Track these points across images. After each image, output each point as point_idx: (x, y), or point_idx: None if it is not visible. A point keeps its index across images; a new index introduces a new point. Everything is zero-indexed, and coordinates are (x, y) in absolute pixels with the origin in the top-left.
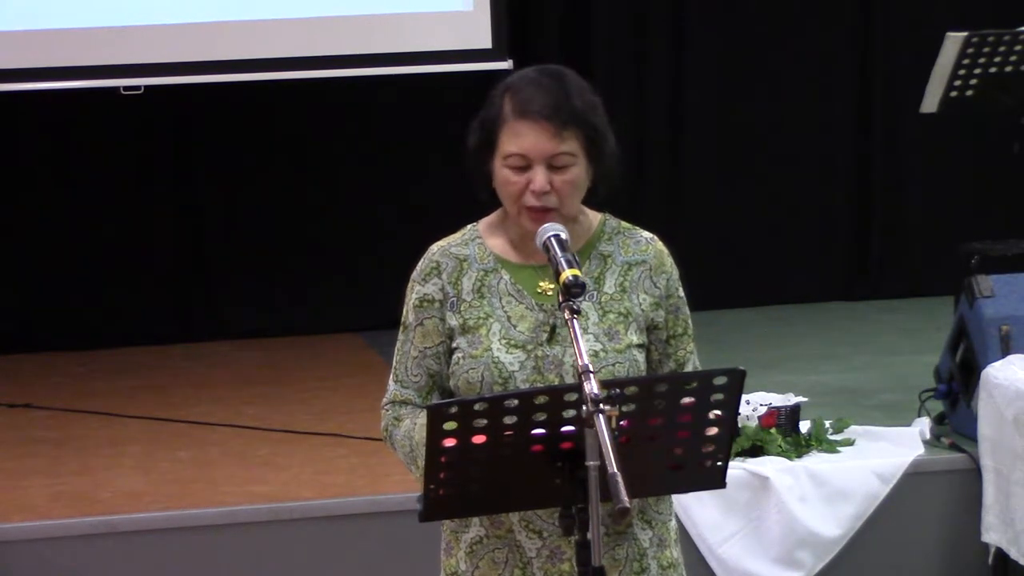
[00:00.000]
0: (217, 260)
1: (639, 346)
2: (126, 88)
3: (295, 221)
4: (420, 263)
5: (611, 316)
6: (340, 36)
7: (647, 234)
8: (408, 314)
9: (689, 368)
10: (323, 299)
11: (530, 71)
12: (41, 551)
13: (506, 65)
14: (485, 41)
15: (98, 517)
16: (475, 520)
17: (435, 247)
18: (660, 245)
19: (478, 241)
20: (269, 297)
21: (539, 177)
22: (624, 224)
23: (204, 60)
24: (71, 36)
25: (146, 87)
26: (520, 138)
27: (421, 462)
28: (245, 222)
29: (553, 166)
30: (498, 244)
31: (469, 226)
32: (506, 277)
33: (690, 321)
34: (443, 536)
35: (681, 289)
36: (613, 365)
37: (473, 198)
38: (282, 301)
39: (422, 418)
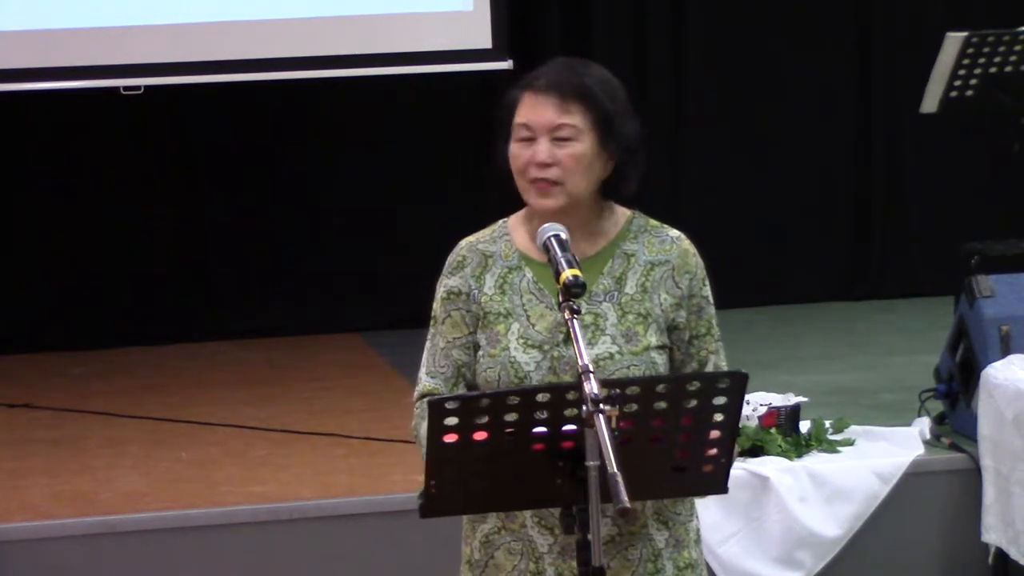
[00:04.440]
0: (217, 260)
1: (659, 348)
2: (126, 88)
3: (295, 221)
4: (449, 257)
5: (630, 317)
6: (340, 36)
7: (674, 232)
8: (437, 307)
9: (711, 367)
10: (323, 299)
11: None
12: (41, 551)
13: (506, 65)
14: (485, 41)
15: (98, 517)
16: (491, 512)
17: (464, 242)
18: (686, 244)
19: (505, 238)
20: (269, 297)
21: (541, 150)
22: (652, 222)
23: (204, 60)
24: (71, 36)
25: (146, 87)
26: (525, 109)
27: None
28: (245, 222)
29: (556, 138)
30: (524, 241)
31: (500, 221)
32: (529, 275)
33: (715, 321)
34: (463, 525)
35: (706, 288)
36: (628, 368)
37: (474, 198)
38: (282, 301)
39: None
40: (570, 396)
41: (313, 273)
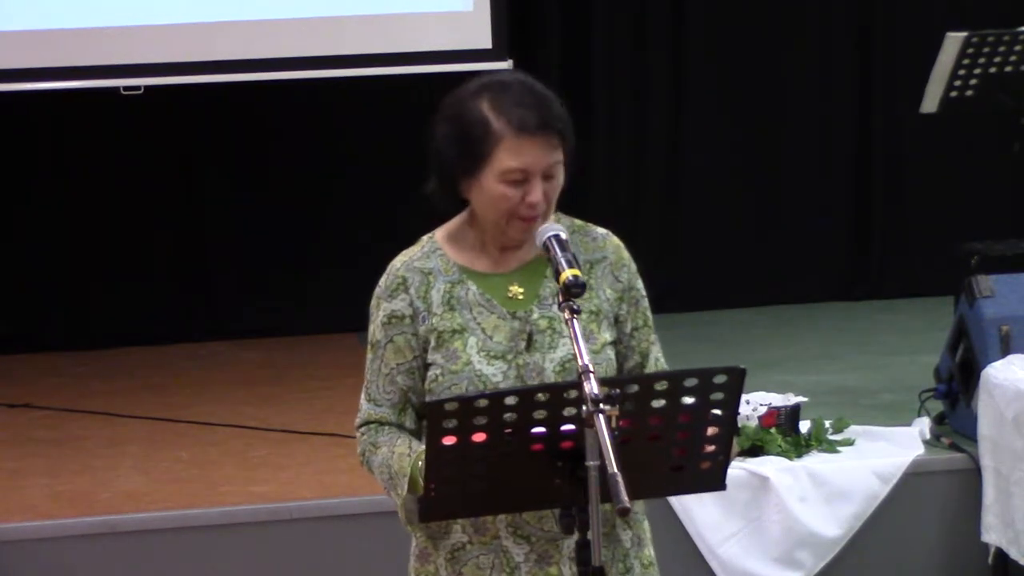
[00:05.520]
0: (217, 260)
1: (612, 343)
2: (126, 88)
3: (295, 221)
4: (384, 279)
5: (583, 316)
6: (340, 36)
7: (602, 230)
8: (376, 332)
9: (652, 359)
10: (323, 299)
11: (502, 79)
12: (41, 551)
13: (506, 65)
14: (485, 41)
15: (98, 517)
16: (457, 526)
17: (397, 262)
18: (616, 240)
19: (439, 253)
20: (269, 297)
21: (537, 191)
22: (577, 222)
23: (204, 60)
24: (71, 36)
25: (146, 87)
26: (523, 155)
27: (401, 490)
28: (245, 222)
29: (546, 176)
30: (461, 254)
31: (425, 237)
32: (473, 288)
33: (649, 312)
34: (415, 542)
35: (640, 281)
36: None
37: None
38: (282, 301)
39: (400, 446)
40: (568, 395)
41: (313, 273)
